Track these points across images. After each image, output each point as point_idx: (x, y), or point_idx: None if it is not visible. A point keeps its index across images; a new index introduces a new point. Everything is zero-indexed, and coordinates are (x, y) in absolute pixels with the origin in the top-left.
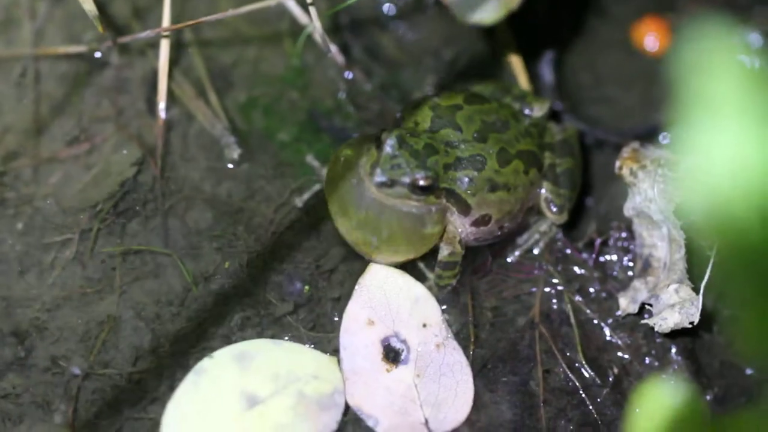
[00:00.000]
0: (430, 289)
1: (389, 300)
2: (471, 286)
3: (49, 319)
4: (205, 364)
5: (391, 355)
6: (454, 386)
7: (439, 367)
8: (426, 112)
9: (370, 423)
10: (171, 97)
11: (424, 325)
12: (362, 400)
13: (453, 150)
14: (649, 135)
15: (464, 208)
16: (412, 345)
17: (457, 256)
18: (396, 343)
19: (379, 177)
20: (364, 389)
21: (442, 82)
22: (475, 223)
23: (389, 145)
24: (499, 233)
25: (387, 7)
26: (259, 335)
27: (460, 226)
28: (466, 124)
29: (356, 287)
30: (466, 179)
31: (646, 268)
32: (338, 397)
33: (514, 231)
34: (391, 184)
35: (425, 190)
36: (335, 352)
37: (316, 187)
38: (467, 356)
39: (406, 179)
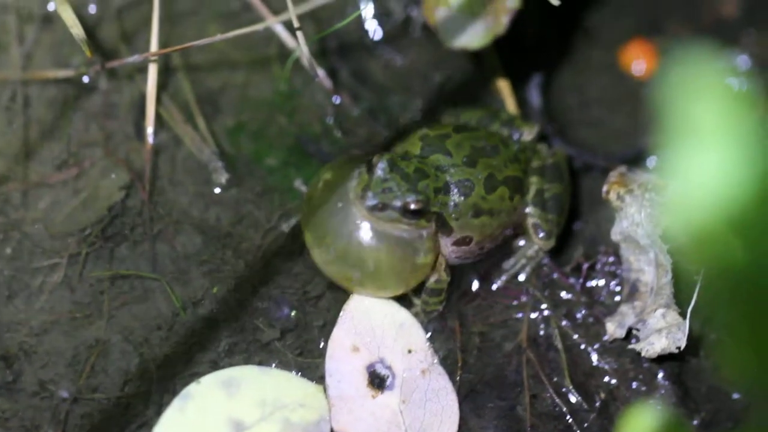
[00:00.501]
0: (416, 315)
1: (374, 326)
2: (458, 311)
3: (37, 344)
4: (192, 389)
5: (377, 382)
6: (440, 412)
7: (425, 393)
8: (416, 142)
9: None
10: (159, 121)
11: (410, 351)
12: (348, 426)
13: (443, 174)
14: (636, 159)
15: (447, 231)
16: (397, 371)
17: (443, 283)
18: (381, 369)
19: (371, 200)
20: (349, 415)
21: (430, 106)
22: (456, 243)
23: (380, 168)
24: (480, 252)
25: (374, 32)
26: (247, 361)
27: (442, 246)
28: (456, 150)
29: (341, 314)
30: (452, 204)
31: (633, 292)
32: (324, 425)
33: (496, 250)
34: (383, 207)
35: (416, 214)
36: (321, 378)
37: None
38: (453, 381)
39: (398, 203)
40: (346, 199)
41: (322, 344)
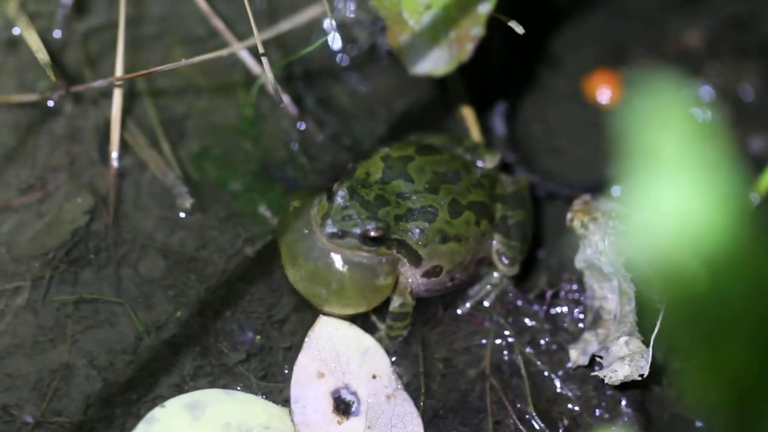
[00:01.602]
0: (380, 340)
1: (338, 352)
2: (422, 337)
3: (0, 367)
4: (157, 413)
5: (342, 407)
6: None
7: (390, 419)
8: (377, 163)
9: None
10: (124, 146)
11: (374, 377)
12: None
13: (404, 201)
14: (600, 187)
15: (415, 260)
16: (362, 397)
17: (408, 307)
18: (346, 395)
19: (330, 228)
20: None
21: (395, 133)
22: (426, 275)
23: (340, 196)
24: (450, 284)
25: (340, 58)
26: (211, 384)
27: (411, 277)
28: (418, 175)
29: (306, 340)
30: (417, 230)
31: (596, 320)
32: None
33: (466, 282)
34: (342, 235)
35: (376, 241)
36: (286, 402)
37: (269, 237)
38: (418, 407)
39: (357, 230)
40: (310, 226)
41: (286, 368)
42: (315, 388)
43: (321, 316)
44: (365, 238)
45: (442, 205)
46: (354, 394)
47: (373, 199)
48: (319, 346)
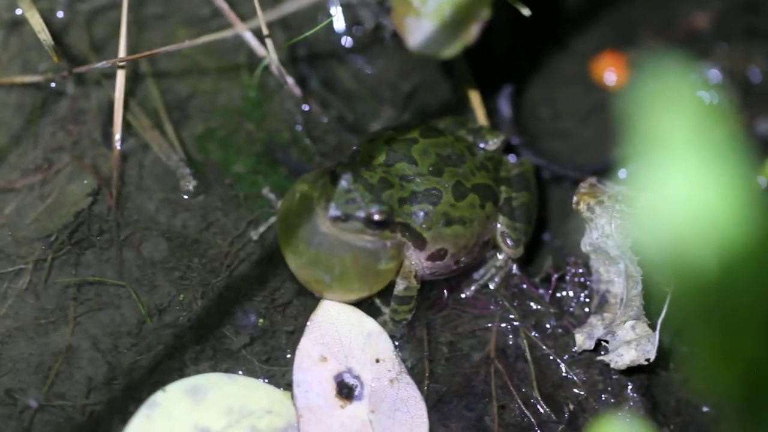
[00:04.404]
0: (384, 323)
1: (341, 336)
2: (426, 320)
3: (2, 350)
4: (158, 397)
5: (345, 391)
6: (409, 421)
7: (394, 402)
8: (381, 146)
9: None
10: (127, 127)
11: (377, 361)
12: None
13: (408, 184)
14: (606, 170)
15: (420, 243)
16: (365, 381)
17: (412, 290)
18: (349, 379)
19: (334, 211)
20: (318, 425)
21: (400, 115)
22: (431, 258)
23: (344, 179)
24: (455, 267)
25: (345, 40)
26: (213, 368)
27: (416, 261)
28: (422, 158)
29: (308, 323)
30: (422, 213)
31: (602, 304)
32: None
33: (471, 266)
34: (346, 218)
35: (380, 225)
36: (288, 386)
37: (272, 219)
38: (422, 391)
39: (361, 213)
40: (310, 211)
41: (289, 352)
42: (318, 373)
43: (323, 300)
44: (369, 222)
45: (446, 188)
46: (357, 378)
47: (377, 182)
48: (322, 330)
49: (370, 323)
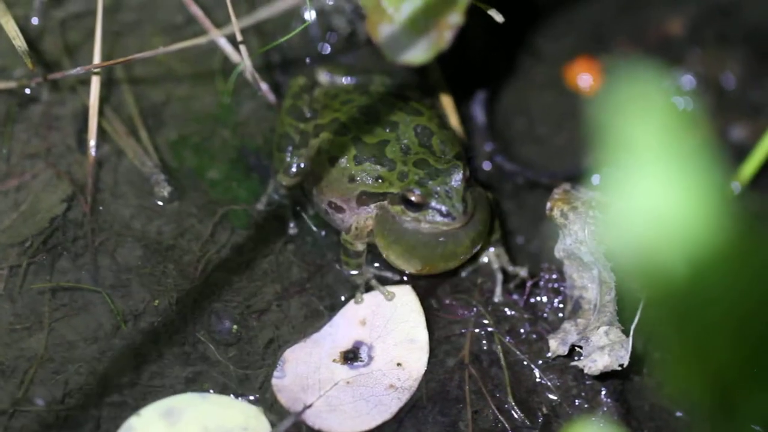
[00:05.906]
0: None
1: (389, 321)
2: None
3: None
4: (133, 422)
5: (350, 355)
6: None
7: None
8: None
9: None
10: (101, 134)
11: (398, 365)
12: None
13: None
14: (580, 176)
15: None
16: (371, 365)
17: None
18: (362, 354)
19: (464, 207)
20: (300, 353)
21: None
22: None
23: (459, 177)
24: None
25: (319, 46)
26: (187, 373)
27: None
28: (395, 155)
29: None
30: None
31: (576, 310)
32: None
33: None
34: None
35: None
36: (262, 390)
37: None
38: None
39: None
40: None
41: (264, 358)
42: (349, 327)
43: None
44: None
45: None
46: (368, 357)
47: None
48: (383, 305)
49: (421, 334)
